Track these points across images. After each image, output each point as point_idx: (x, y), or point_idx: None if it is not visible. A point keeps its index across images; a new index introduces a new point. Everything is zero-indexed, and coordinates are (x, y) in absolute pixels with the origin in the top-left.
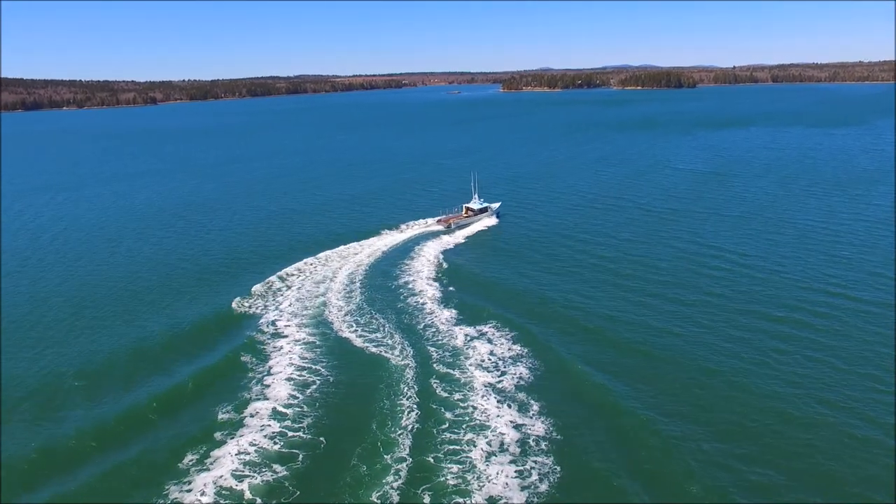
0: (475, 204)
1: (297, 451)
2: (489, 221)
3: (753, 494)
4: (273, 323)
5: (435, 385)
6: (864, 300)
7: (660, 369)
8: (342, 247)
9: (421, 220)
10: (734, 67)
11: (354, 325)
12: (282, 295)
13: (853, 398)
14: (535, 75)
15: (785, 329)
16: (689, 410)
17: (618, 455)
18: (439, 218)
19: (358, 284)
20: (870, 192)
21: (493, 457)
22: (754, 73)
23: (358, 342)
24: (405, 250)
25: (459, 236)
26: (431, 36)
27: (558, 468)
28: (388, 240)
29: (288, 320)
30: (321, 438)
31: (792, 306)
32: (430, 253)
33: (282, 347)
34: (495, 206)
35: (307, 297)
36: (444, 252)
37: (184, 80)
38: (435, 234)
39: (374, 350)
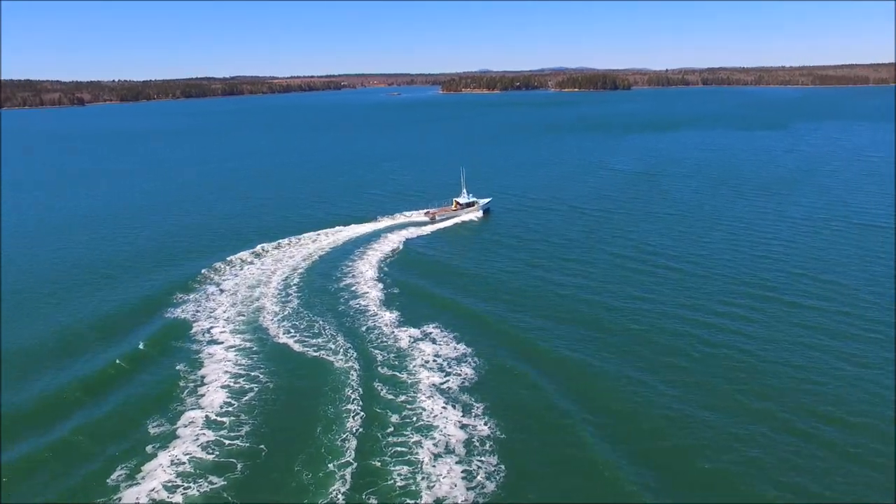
0: (463, 198)
1: (235, 459)
2: (473, 215)
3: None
4: (209, 330)
5: (380, 388)
6: (785, 300)
7: (600, 369)
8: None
9: (411, 212)
10: (667, 70)
11: (294, 328)
12: (215, 300)
13: (781, 390)
14: (475, 77)
15: (715, 325)
16: (630, 409)
17: (561, 454)
18: (426, 210)
19: (295, 287)
20: (792, 192)
21: (440, 458)
22: (686, 76)
23: (298, 346)
24: (363, 242)
25: (413, 233)
26: (370, 37)
27: (503, 467)
28: (358, 230)
29: (223, 325)
30: (261, 446)
31: (723, 304)
32: (376, 255)
33: (215, 354)
34: (483, 201)
35: (242, 302)
36: (394, 251)
37: (114, 81)
38: (403, 226)
39: (315, 354)
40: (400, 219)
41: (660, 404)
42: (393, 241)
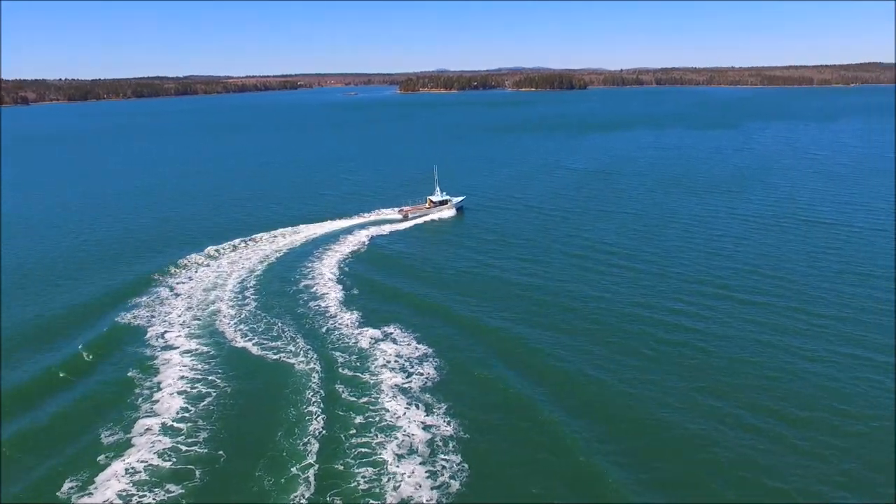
0: (436, 196)
1: (193, 466)
2: (447, 213)
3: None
4: (163, 335)
5: (341, 389)
6: (738, 296)
7: (559, 367)
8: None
9: (384, 210)
10: (621, 70)
11: (252, 332)
12: (169, 303)
13: (735, 387)
14: (432, 77)
15: (670, 323)
16: (591, 406)
17: (523, 453)
18: (400, 208)
19: (252, 290)
20: (743, 190)
21: (404, 458)
22: (640, 76)
23: (257, 350)
24: (325, 242)
25: (376, 232)
26: (327, 37)
27: (467, 466)
28: (320, 229)
29: (178, 330)
30: (220, 452)
31: (682, 300)
32: (336, 255)
33: (171, 360)
34: (457, 199)
35: (198, 306)
36: (354, 252)
37: (60, 80)
38: (365, 225)
39: (275, 357)
40: (372, 216)
41: (619, 403)
42: (354, 241)
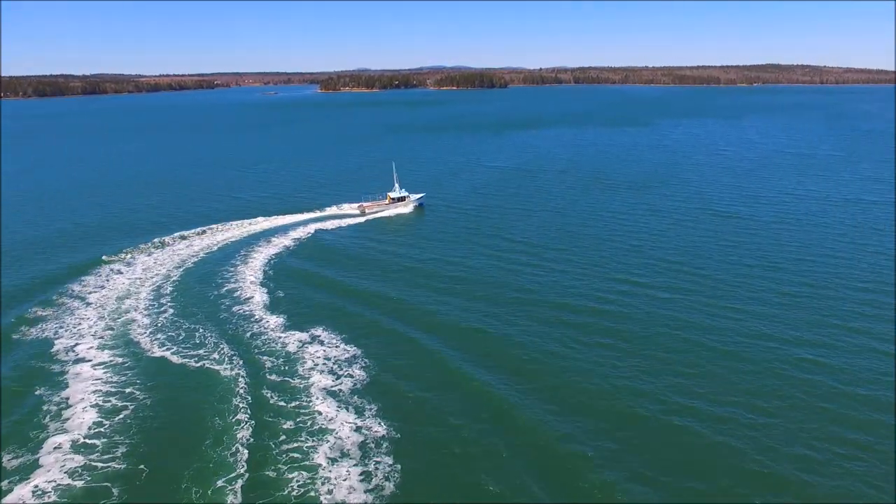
0: (394, 193)
1: (110, 484)
2: (404, 210)
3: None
4: (72, 348)
5: (270, 395)
6: (654, 286)
7: (483, 365)
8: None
9: (345, 205)
10: (540, 69)
11: (171, 340)
12: (79, 314)
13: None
14: (353, 76)
15: (589, 323)
16: (517, 403)
17: (454, 451)
18: (359, 204)
19: (170, 296)
20: (662, 187)
21: (336, 462)
22: (559, 74)
23: (177, 358)
24: (248, 244)
25: (290, 235)
26: (245, 35)
27: (400, 467)
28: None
29: (90, 342)
30: (141, 466)
31: (597, 300)
32: (261, 256)
33: (81, 373)
34: (415, 196)
35: (111, 315)
36: (281, 252)
37: None
38: (293, 226)
39: (197, 365)
40: (330, 211)
41: (540, 401)
42: (277, 244)
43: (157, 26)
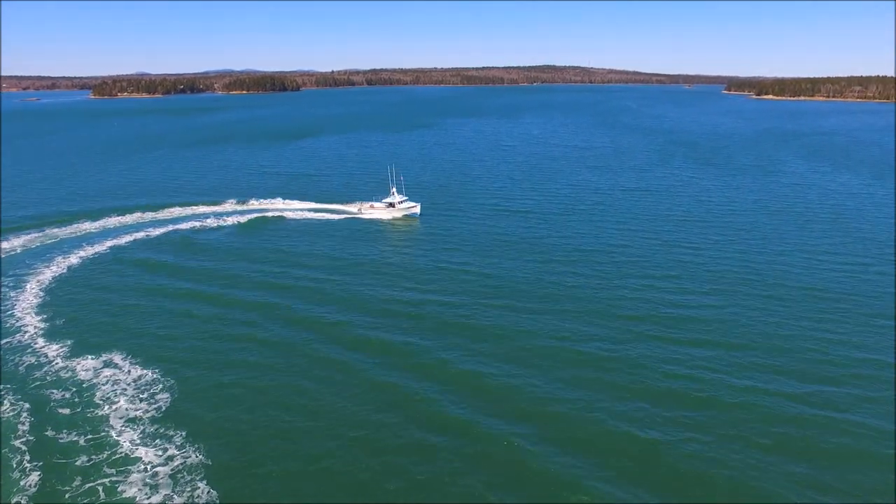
0: (391, 198)
1: None
2: (394, 214)
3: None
4: None
5: (57, 433)
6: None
7: (298, 368)
8: None
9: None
10: (333, 72)
11: None
12: None
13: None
14: (132, 80)
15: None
16: (339, 401)
17: (276, 468)
18: (357, 203)
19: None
20: (449, 185)
21: (146, 498)
22: (351, 76)
23: None
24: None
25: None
26: None
27: (217, 493)
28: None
29: None
30: None
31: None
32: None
33: None
34: (409, 203)
35: None
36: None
37: None
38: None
39: None
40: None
41: (370, 401)
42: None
43: None
